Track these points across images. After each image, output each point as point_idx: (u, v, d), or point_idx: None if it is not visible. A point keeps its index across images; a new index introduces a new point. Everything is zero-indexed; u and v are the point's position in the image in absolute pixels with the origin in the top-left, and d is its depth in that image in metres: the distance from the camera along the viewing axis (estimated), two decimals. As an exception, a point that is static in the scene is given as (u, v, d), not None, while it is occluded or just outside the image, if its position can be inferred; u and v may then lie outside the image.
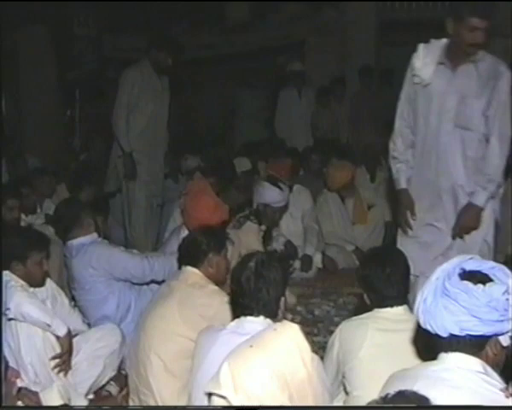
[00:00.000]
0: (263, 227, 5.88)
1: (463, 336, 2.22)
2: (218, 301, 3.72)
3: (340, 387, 3.30)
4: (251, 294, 2.90)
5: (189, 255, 3.93)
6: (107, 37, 10.09)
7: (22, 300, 3.69)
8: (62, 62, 9.56)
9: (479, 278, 2.24)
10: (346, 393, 3.22)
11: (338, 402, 3.27)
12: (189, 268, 3.89)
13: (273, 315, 2.92)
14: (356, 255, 6.66)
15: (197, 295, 3.76)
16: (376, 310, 3.21)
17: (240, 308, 2.95)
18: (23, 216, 5.82)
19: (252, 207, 5.93)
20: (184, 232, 4.87)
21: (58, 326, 3.80)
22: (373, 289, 3.21)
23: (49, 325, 3.75)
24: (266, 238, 6.01)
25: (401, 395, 2.02)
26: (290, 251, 6.32)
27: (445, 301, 2.23)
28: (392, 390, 2.18)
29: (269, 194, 5.82)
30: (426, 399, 2.02)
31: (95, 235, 4.69)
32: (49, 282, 4.21)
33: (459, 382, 2.20)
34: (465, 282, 2.22)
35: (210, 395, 2.53)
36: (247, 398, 2.43)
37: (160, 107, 6.68)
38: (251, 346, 2.58)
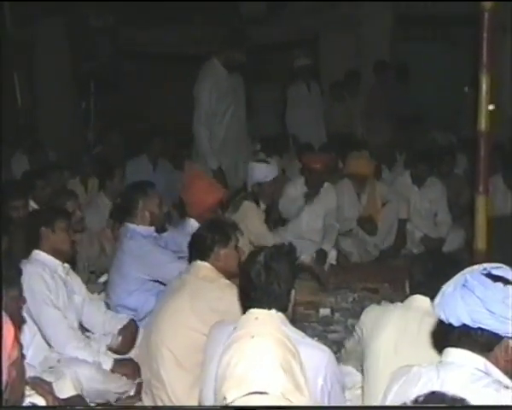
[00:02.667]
0: (263, 206, 5.88)
1: (475, 330, 2.21)
2: (230, 295, 3.72)
3: (357, 365, 3.35)
4: (262, 288, 2.89)
5: (197, 251, 3.94)
6: (123, 29, 10.10)
7: (67, 343, 3.86)
8: (78, 55, 9.58)
9: (502, 281, 2.23)
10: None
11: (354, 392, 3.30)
12: (199, 262, 3.90)
13: (284, 308, 2.92)
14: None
15: (208, 289, 3.77)
16: (407, 300, 3.29)
17: (251, 302, 2.93)
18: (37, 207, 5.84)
19: (247, 191, 5.94)
20: (191, 222, 4.97)
21: (104, 361, 3.94)
22: (414, 277, 3.32)
23: (95, 362, 3.88)
24: (269, 220, 6.02)
25: (433, 395, 2.03)
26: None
27: (462, 292, 2.24)
28: (396, 387, 2.30)
29: (257, 171, 5.82)
30: (461, 400, 2.01)
31: (151, 229, 4.70)
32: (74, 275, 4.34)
33: (459, 381, 2.20)
34: (485, 277, 2.23)
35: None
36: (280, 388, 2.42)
37: (238, 106, 6.69)
38: (252, 337, 2.56)
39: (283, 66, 10.37)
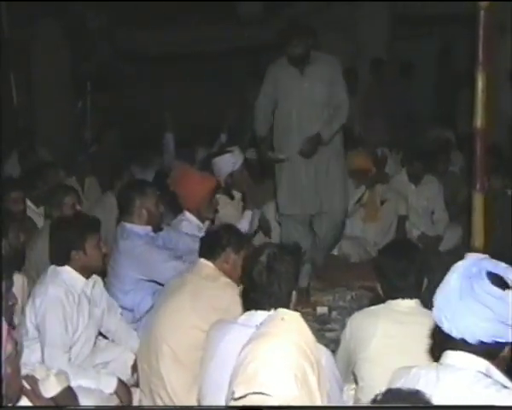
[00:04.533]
0: (238, 195, 5.89)
1: (489, 343, 2.19)
2: (231, 294, 3.73)
3: (349, 377, 3.32)
4: (262, 288, 2.90)
5: (208, 247, 3.94)
6: (120, 29, 10.10)
7: (68, 370, 3.67)
8: (75, 55, 9.58)
9: (497, 280, 2.20)
10: (356, 383, 3.24)
11: (347, 393, 3.29)
12: (203, 261, 3.90)
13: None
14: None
15: (210, 287, 3.78)
16: (388, 302, 3.24)
17: (251, 302, 2.95)
18: (34, 207, 5.84)
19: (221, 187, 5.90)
20: (187, 215, 5.01)
21: (106, 385, 3.82)
22: (386, 280, 3.25)
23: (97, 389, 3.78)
24: (245, 204, 6.03)
25: (390, 392, 2.04)
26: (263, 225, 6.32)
27: (473, 306, 2.18)
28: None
29: (224, 163, 5.85)
30: (416, 392, 2.02)
31: (148, 228, 4.65)
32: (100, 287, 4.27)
33: (460, 384, 2.19)
34: (495, 288, 2.18)
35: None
36: (283, 391, 2.41)
37: (301, 95, 5.78)
38: (268, 337, 2.56)
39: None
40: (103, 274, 4.92)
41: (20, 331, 3.85)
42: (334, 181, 5.74)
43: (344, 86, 5.88)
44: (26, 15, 8.81)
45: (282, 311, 2.73)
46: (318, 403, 2.46)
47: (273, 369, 2.43)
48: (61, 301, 3.80)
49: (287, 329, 2.60)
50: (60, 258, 3.95)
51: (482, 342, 2.18)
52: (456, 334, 2.21)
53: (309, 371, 2.49)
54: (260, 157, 6.12)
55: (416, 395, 2.01)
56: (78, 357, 3.93)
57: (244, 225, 5.37)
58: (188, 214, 5.07)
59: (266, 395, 2.39)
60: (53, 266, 3.96)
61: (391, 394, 2.03)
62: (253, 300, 2.94)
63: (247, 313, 2.96)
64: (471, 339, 2.19)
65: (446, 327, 2.24)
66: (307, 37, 5.61)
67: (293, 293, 2.97)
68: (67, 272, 3.93)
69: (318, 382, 2.55)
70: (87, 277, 4.02)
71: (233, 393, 2.47)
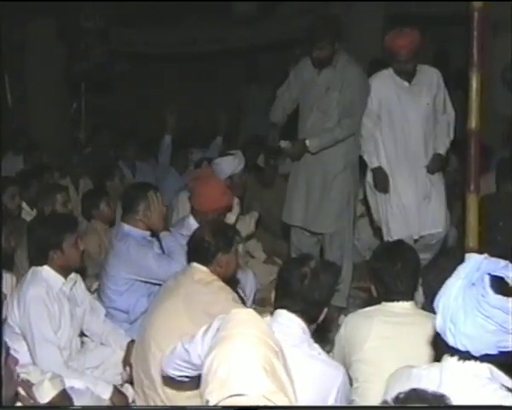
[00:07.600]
0: (235, 200, 5.82)
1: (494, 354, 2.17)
2: (224, 299, 3.71)
3: None
4: (302, 293, 2.94)
5: (198, 255, 3.89)
6: (115, 30, 10.07)
7: (61, 372, 3.69)
8: (69, 55, 9.55)
9: (498, 281, 2.18)
10: (351, 384, 3.24)
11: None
12: (196, 264, 3.87)
13: (313, 320, 3.00)
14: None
15: (203, 292, 3.75)
16: (383, 303, 3.23)
17: (282, 303, 2.99)
18: (28, 209, 5.83)
19: None
20: (190, 222, 4.91)
21: (102, 391, 3.83)
22: (382, 283, 3.25)
23: (93, 393, 3.78)
24: (242, 209, 6.07)
25: (415, 392, 2.02)
26: None
27: (479, 321, 2.16)
28: (397, 389, 2.19)
29: (226, 165, 5.77)
30: (441, 396, 2.00)
31: (146, 232, 4.60)
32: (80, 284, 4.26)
33: (463, 387, 2.18)
34: (498, 297, 2.15)
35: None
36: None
37: (315, 96, 5.48)
38: (229, 338, 2.56)
39: (277, 66, 10.38)
40: (96, 276, 4.94)
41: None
42: (336, 198, 5.44)
43: (354, 96, 5.39)
44: (20, 15, 8.80)
45: (234, 311, 2.74)
46: (290, 393, 2.44)
47: (242, 367, 2.41)
48: (43, 300, 3.83)
49: (245, 326, 2.59)
50: (38, 258, 3.98)
51: (487, 355, 2.17)
52: (461, 347, 2.20)
53: (275, 361, 2.48)
54: (269, 144, 5.83)
55: (440, 398, 1.99)
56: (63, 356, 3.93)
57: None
58: (191, 221, 4.93)
59: (241, 395, 2.38)
60: (33, 268, 3.98)
61: (415, 393, 2.00)
62: (285, 301, 2.97)
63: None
64: (476, 352, 2.17)
65: (451, 341, 2.22)
66: (334, 41, 5.35)
67: (325, 310, 3.01)
68: (46, 271, 3.95)
69: (285, 369, 2.55)
70: (65, 275, 4.03)
71: (207, 402, 2.45)
